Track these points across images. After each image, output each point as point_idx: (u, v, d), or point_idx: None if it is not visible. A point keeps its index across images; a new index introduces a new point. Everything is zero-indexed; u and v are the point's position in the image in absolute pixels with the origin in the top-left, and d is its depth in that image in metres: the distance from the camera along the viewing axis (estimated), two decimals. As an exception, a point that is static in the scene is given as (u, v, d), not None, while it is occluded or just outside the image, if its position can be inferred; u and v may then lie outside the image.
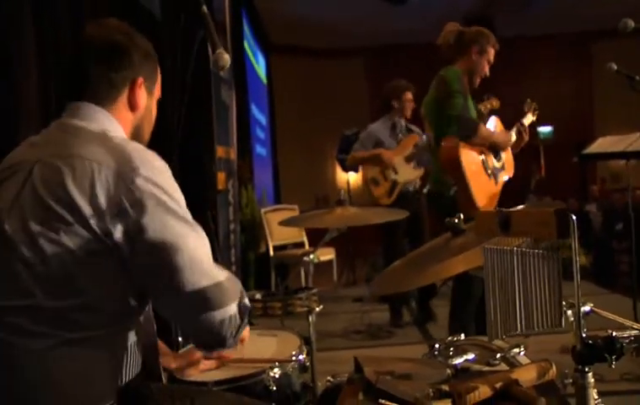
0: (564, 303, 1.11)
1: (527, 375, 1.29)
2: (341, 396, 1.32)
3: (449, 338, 1.79)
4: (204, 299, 1.26)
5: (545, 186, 8.63)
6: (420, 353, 1.78)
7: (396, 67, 9.97)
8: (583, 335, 1.13)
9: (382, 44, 10.29)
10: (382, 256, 5.15)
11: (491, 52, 3.37)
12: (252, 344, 1.93)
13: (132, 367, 1.35)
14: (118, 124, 1.38)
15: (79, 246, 1.19)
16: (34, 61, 3.05)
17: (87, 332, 1.22)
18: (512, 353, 1.61)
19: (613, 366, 1.11)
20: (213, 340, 1.32)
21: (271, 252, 6.21)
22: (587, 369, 1.15)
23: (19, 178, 1.26)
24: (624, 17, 2.86)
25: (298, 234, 6.50)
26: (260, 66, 9.53)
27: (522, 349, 1.62)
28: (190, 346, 1.75)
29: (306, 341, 1.98)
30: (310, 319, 1.98)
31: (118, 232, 1.20)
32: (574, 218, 1.06)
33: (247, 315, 1.36)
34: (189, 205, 1.31)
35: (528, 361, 1.55)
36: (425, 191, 5.03)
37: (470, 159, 3.20)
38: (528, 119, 3.50)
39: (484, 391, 1.23)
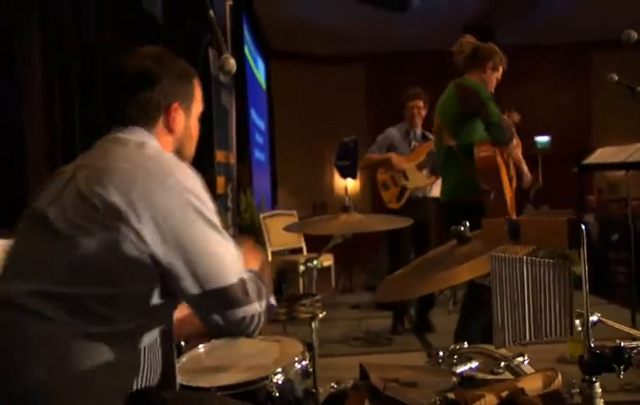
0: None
1: (533, 384, 1.29)
2: (347, 403, 1.32)
3: (452, 346, 1.79)
4: (227, 298, 1.31)
5: (543, 196, 8.65)
6: (419, 360, 1.78)
7: (395, 75, 10.01)
8: (592, 345, 1.13)
9: (382, 51, 10.31)
10: (387, 262, 5.14)
11: (501, 71, 3.44)
12: (255, 350, 1.93)
13: (148, 374, 1.37)
14: (158, 144, 1.45)
15: (112, 240, 1.24)
16: (38, 60, 3.05)
17: (107, 327, 1.26)
18: (515, 362, 1.61)
19: (621, 376, 1.11)
20: (235, 333, 1.39)
21: (270, 258, 6.20)
22: (594, 379, 1.15)
23: (63, 179, 1.36)
24: (623, 27, 2.87)
25: (297, 240, 6.49)
26: (260, 71, 9.54)
27: (525, 358, 1.62)
28: None
29: (308, 347, 1.98)
30: (313, 325, 1.97)
31: (148, 231, 1.25)
32: (584, 227, 1.06)
33: (272, 313, 1.43)
34: None
35: (532, 370, 1.55)
36: (431, 197, 5.10)
37: (502, 165, 3.25)
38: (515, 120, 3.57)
39: (490, 400, 1.23)
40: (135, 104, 1.43)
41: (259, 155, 8.95)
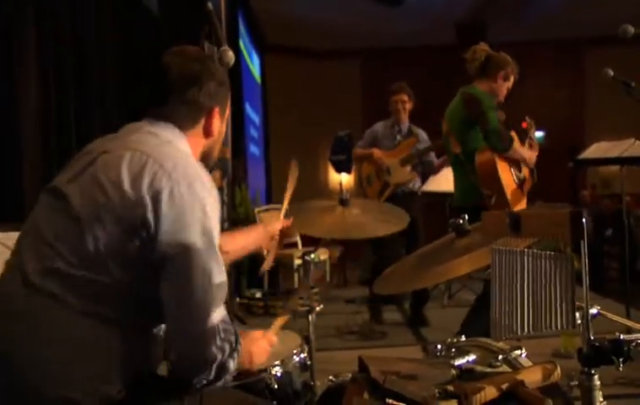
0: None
1: (532, 377, 1.30)
2: (347, 396, 1.32)
3: (449, 339, 1.79)
4: (199, 308, 1.30)
5: (537, 191, 8.65)
6: (414, 354, 1.78)
7: (391, 70, 9.99)
8: (591, 337, 1.14)
9: (377, 46, 10.30)
10: (376, 256, 5.16)
11: (512, 80, 3.50)
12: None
13: (151, 362, 1.38)
14: (188, 145, 1.45)
15: (118, 227, 1.26)
16: (33, 56, 3.03)
17: (111, 311, 1.27)
18: (513, 355, 1.61)
19: (620, 369, 1.11)
20: (185, 373, 1.34)
21: (265, 252, 6.19)
22: (593, 372, 1.16)
23: (85, 161, 1.37)
24: (617, 23, 2.89)
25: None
26: (255, 65, 9.51)
27: (523, 351, 1.63)
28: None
29: (306, 340, 1.98)
30: (310, 318, 1.98)
31: (151, 225, 1.26)
32: (584, 221, 1.07)
33: (223, 377, 1.36)
34: None
35: (529, 363, 1.55)
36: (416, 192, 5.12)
37: (503, 169, 3.32)
38: (533, 132, 3.61)
39: (490, 392, 1.23)
40: (179, 102, 1.44)
41: (254, 150, 8.93)
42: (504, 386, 1.24)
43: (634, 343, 1.13)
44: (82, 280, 1.26)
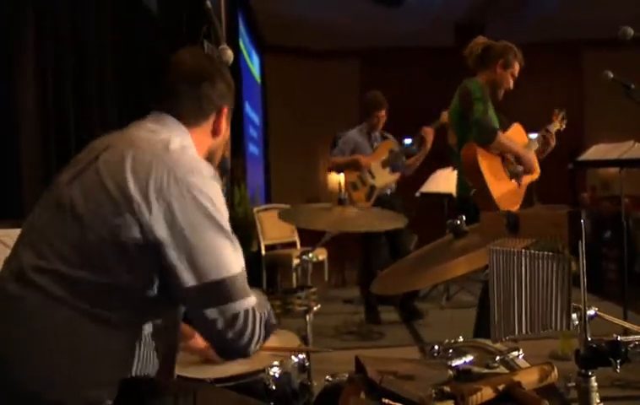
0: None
1: (529, 378, 1.29)
2: (343, 396, 1.32)
3: (447, 340, 1.79)
4: (225, 289, 1.29)
5: (536, 193, 8.66)
6: (411, 355, 1.78)
7: (390, 70, 10.03)
8: (588, 338, 1.14)
9: (376, 47, 10.31)
10: (362, 259, 5.23)
11: (516, 67, 3.44)
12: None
13: (145, 365, 1.36)
14: (192, 142, 1.44)
15: (120, 227, 1.25)
16: (32, 57, 3.03)
17: (108, 313, 1.26)
18: (510, 356, 1.61)
19: (618, 370, 1.11)
20: (232, 339, 1.32)
21: (263, 251, 6.19)
22: (590, 373, 1.15)
23: (87, 158, 1.36)
24: (615, 25, 2.89)
25: (290, 234, 6.48)
26: (254, 65, 9.51)
27: (520, 352, 1.63)
28: None
29: (303, 340, 1.98)
30: (307, 318, 1.97)
31: (155, 219, 1.25)
32: (582, 221, 1.07)
33: (269, 330, 1.39)
34: None
35: (526, 364, 1.55)
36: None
37: (489, 161, 3.25)
38: (555, 126, 3.54)
39: (486, 393, 1.23)
40: (191, 96, 1.44)
41: (253, 149, 8.93)
42: (501, 387, 1.24)
43: (631, 345, 1.13)
44: (82, 281, 1.25)
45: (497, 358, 1.59)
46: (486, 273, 1.33)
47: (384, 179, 5.09)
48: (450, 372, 1.42)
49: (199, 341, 1.70)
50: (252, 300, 1.33)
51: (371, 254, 5.02)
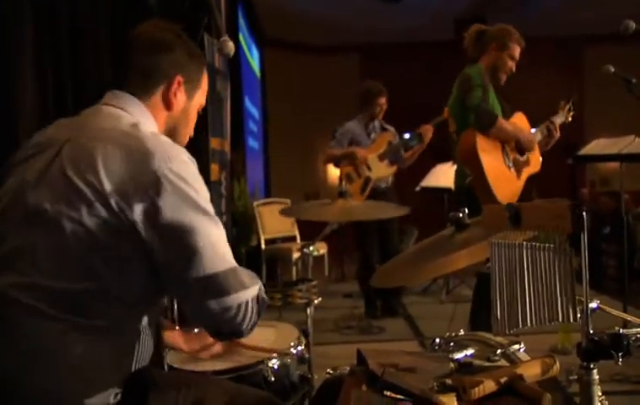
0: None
1: (531, 371, 1.29)
2: (345, 388, 1.32)
3: (447, 334, 1.79)
4: (220, 284, 1.25)
5: (535, 188, 8.65)
6: (411, 348, 1.78)
7: (389, 66, 9.99)
8: (590, 331, 1.13)
9: (376, 42, 10.29)
10: (360, 253, 5.23)
11: (515, 48, 3.39)
12: (250, 335, 1.92)
13: (143, 355, 1.34)
14: (153, 119, 1.38)
15: (99, 228, 1.19)
16: (31, 54, 3.01)
17: (99, 320, 1.22)
18: (512, 350, 1.61)
19: (619, 363, 1.11)
20: (226, 326, 1.30)
21: (263, 245, 6.20)
22: (592, 366, 1.15)
23: (48, 155, 1.27)
24: (616, 21, 2.88)
25: (290, 228, 6.49)
26: (254, 59, 9.49)
27: (522, 346, 1.63)
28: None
29: (303, 333, 1.98)
30: (308, 311, 1.97)
31: (137, 216, 1.20)
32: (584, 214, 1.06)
33: (264, 308, 1.36)
34: None
35: (528, 357, 1.55)
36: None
37: (488, 150, 3.19)
38: (560, 118, 3.50)
39: (488, 386, 1.23)
40: (140, 69, 1.38)
41: (253, 143, 8.91)
42: (503, 380, 1.23)
43: (633, 338, 1.13)
44: (67, 292, 1.19)
45: (498, 351, 1.59)
46: (488, 266, 1.33)
47: (380, 172, 5.08)
48: (451, 365, 1.42)
49: (176, 337, 1.68)
50: (250, 292, 1.30)
51: (367, 248, 5.02)
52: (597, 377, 1.14)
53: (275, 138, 10.44)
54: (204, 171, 5.19)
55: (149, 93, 1.39)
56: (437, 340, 1.67)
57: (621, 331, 1.11)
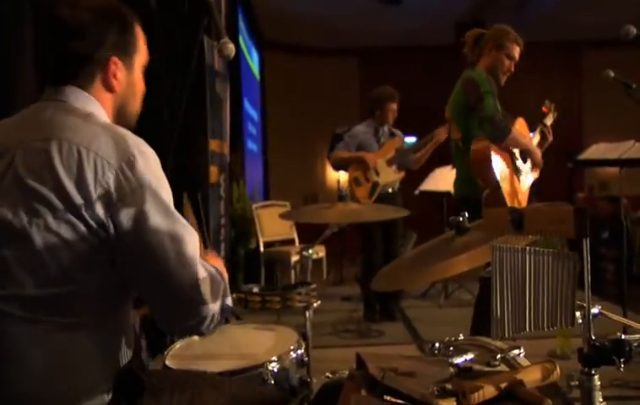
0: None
1: (531, 376, 1.28)
2: (344, 392, 1.31)
3: (447, 338, 1.78)
4: (186, 297, 1.22)
5: (535, 192, 8.65)
6: (410, 352, 1.78)
7: (389, 68, 10.00)
8: (592, 337, 1.13)
9: (375, 44, 10.29)
10: (361, 255, 5.22)
11: (512, 48, 3.34)
12: (250, 338, 1.92)
13: (127, 349, 1.33)
14: (101, 107, 1.32)
15: (69, 233, 1.16)
16: (32, 59, 3.01)
17: (81, 318, 1.20)
18: (511, 355, 1.60)
19: (622, 369, 1.10)
20: (190, 331, 1.33)
21: (262, 248, 6.19)
22: (593, 372, 1.15)
23: (1, 165, 1.20)
24: (616, 25, 2.87)
25: (289, 231, 6.48)
26: (254, 61, 9.49)
27: (522, 351, 1.62)
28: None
29: (302, 336, 1.97)
30: (307, 314, 1.97)
31: (106, 219, 1.17)
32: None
33: (229, 314, 1.34)
34: (181, 197, 1.29)
35: (527, 362, 1.54)
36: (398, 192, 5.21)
37: (500, 160, 3.14)
38: (550, 119, 3.49)
39: (488, 391, 1.22)
40: (67, 59, 1.28)
41: (252, 146, 8.91)
42: (503, 385, 1.22)
43: (635, 344, 1.12)
44: (45, 298, 1.16)
45: (498, 356, 1.58)
46: (488, 270, 1.32)
47: (388, 177, 5.08)
48: (452, 369, 1.41)
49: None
50: (214, 307, 1.27)
51: (371, 252, 5.00)
52: (598, 383, 1.14)
53: (274, 141, 10.44)
54: (203, 173, 5.22)
55: (87, 81, 1.30)
56: (437, 344, 1.66)
57: (623, 336, 1.11)
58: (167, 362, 1.71)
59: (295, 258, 5.80)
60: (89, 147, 1.18)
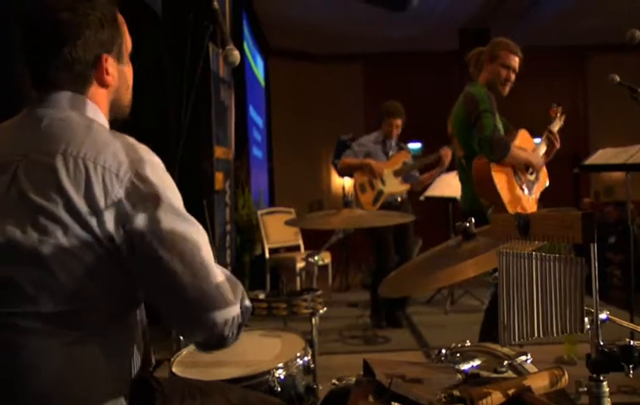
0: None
1: (539, 382, 1.28)
2: (351, 399, 1.30)
3: (454, 344, 1.78)
4: (208, 299, 1.21)
5: (541, 198, 8.62)
6: (417, 358, 1.77)
7: (393, 75, 10.02)
8: (600, 343, 1.12)
9: (380, 51, 10.30)
10: (374, 262, 5.23)
11: (506, 56, 3.33)
12: (256, 345, 1.92)
13: (138, 357, 1.32)
14: (97, 108, 1.29)
15: (79, 248, 1.13)
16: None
17: (95, 330, 1.19)
18: (518, 361, 1.60)
19: (631, 375, 1.10)
20: (213, 340, 1.26)
21: (267, 254, 6.19)
22: (602, 378, 1.14)
23: (3, 181, 1.17)
24: (621, 30, 2.87)
25: (294, 238, 6.48)
26: (259, 68, 9.51)
27: (529, 357, 1.61)
28: None
29: (309, 343, 1.96)
30: (313, 321, 1.96)
31: (117, 232, 1.15)
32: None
33: (248, 315, 1.32)
34: (185, 203, 1.27)
35: (535, 369, 1.54)
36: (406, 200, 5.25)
37: (502, 175, 3.14)
38: (556, 125, 3.47)
39: (496, 398, 1.21)
40: (60, 65, 1.24)
41: (257, 152, 8.92)
42: (511, 392, 1.22)
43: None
44: (64, 314, 1.15)
45: (505, 362, 1.58)
46: (495, 276, 1.32)
47: (393, 187, 5.17)
48: (459, 376, 1.41)
49: None
50: (235, 310, 1.25)
51: (385, 258, 5.00)
52: (607, 389, 1.13)
53: (279, 147, 10.46)
54: (209, 180, 5.21)
55: (82, 83, 1.27)
56: (443, 351, 1.66)
57: (632, 342, 1.10)
58: (174, 369, 1.71)
59: (300, 265, 5.79)
60: (97, 160, 1.16)
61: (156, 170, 1.20)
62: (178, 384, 1.47)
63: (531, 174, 3.30)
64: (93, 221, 1.13)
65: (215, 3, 1.85)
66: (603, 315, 1.15)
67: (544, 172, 3.41)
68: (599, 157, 3.76)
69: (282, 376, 1.65)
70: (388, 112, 5.23)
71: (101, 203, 1.14)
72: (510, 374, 1.54)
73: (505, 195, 3.11)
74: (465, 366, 1.53)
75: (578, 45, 10.41)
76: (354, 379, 1.45)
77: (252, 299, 2.04)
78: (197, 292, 1.20)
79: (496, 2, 8.65)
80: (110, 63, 1.30)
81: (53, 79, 1.25)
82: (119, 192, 1.15)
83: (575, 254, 1.10)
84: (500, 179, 3.12)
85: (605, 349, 1.11)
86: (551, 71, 10.73)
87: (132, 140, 1.24)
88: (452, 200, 5.60)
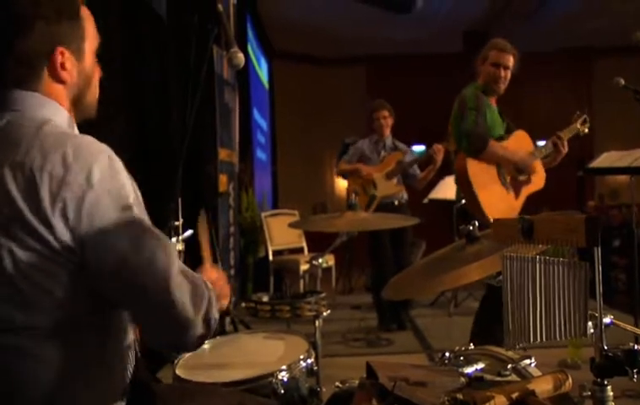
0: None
1: (543, 386, 1.27)
2: (355, 402, 1.30)
3: (457, 348, 1.77)
4: (162, 305, 1.16)
5: (544, 200, 8.59)
6: (420, 361, 1.77)
7: (396, 77, 10.02)
8: (604, 347, 1.12)
9: (384, 53, 10.32)
10: (373, 265, 5.22)
11: (494, 54, 3.43)
12: (259, 347, 1.92)
13: (132, 361, 1.30)
14: (56, 103, 1.23)
15: (39, 261, 1.09)
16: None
17: (78, 337, 1.15)
18: (522, 364, 1.59)
19: (635, 380, 1.09)
20: (175, 347, 1.28)
21: (271, 256, 6.19)
22: (606, 383, 1.14)
23: None
24: (626, 33, 2.87)
25: (298, 240, 6.49)
26: (263, 71, 9.53)
27: (532, 360, 1.61)
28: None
29: (312, 345, 1.96)
30: (316, 323, 1.96)
31: (71, 238, 1.09)
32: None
33: (214, 328, 1.26)
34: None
35: (539, 372, 1.53)
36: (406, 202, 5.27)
37: (479, 171, 3.24)
38: (571, 131, 3.50)
39: (500, 401, 1.21)
40: (12, 59, 1.19)
41: (261, 155, 8.93)
42: (514, 395, 1.22)
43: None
44: (42, 326, 1.11)
45: (509, 365, 1.57)
46: (499, 279, 1.32)
47: (387, 190, 5.15)
48: (463, 379, 1.40)
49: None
50: (198, 319, 1.20)
51: (382, 260, 5.02)
52: (611, 394, 1.13)
53: (283, 150, 10.47)
54: (213, 183, 5.23)
55: (36, 79, 1.21)
56: (447, 354, 1.65)
57: (636, 347, 1.10)
58: (177, 371, 1.71)
59: (304, 267, 5.80)
60: (43, 166, 1.09)
61: (107, 170, 1.13)
62: (178, 389, 1.47)
63: (521, 174, 3.34)
64: (45, 232, 1.08)
65: (219, 6, 1.86)
66: (607, 320, 1.15)
67: (540, 175, 3.44)
68: (604, 160, 3.75)
69: (285, 379, 1.65)
70: (372, 109, 5.27)
71: (49, 212, 1.08)
72: (514, 377, 1.54)
73: (478, 189, 3.21)
74: (469, 369, 1.53)
75: (583, 48, 10.40)
76: (357, 381, 1.45)
77: (255, 302, 2.05)
78: (150, 299, 1.16)
79: (502, 4, 8.64)
80: (66, 58, 1.23)
81: (8, 76, 1.19)
82: (66, 199, 1.09)
83: (579, 258, 1.10)
84: (476, 175, 3.23)
85: (609, 353, 1.11)
86: (556, 74, 10.73)
87: (86, 140, 1.17)
88: (456, 202, 5.60)
